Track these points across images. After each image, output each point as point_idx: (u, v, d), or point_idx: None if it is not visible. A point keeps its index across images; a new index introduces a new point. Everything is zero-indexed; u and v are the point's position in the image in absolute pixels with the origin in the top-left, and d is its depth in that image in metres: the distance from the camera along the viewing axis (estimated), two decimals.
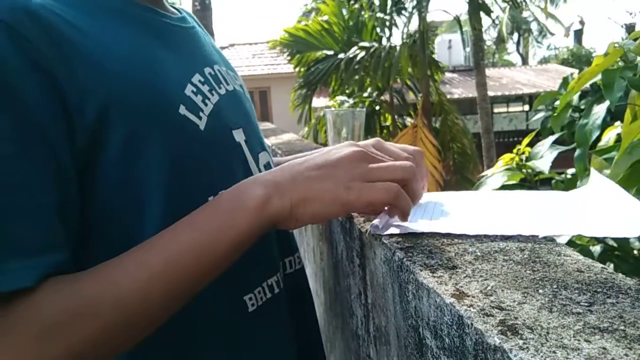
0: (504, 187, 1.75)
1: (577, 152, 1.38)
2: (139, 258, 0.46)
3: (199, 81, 0.58)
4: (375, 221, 0.56)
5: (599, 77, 1.20)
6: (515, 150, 1.85)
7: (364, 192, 0.50)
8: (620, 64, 1.28)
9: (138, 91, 0.51)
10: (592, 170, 0.68)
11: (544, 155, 1.77)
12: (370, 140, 0.71)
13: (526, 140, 1.85)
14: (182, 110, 0.54)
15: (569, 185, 1.87)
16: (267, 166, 0.66)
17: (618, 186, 0.60)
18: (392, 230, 0.56)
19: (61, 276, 0.44)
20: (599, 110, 1.38)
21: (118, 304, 0.44)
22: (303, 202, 0.49)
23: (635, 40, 1.19)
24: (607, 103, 1.34)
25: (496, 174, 1.81)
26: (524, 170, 1.77)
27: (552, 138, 1.80)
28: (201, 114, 0.56)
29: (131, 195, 0.50)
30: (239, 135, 0.62)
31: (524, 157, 1.85)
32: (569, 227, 0.55)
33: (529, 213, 0.60)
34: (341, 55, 8.28)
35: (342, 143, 0.58)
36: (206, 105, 0.57)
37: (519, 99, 16.46)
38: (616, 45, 1.20)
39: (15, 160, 0.42)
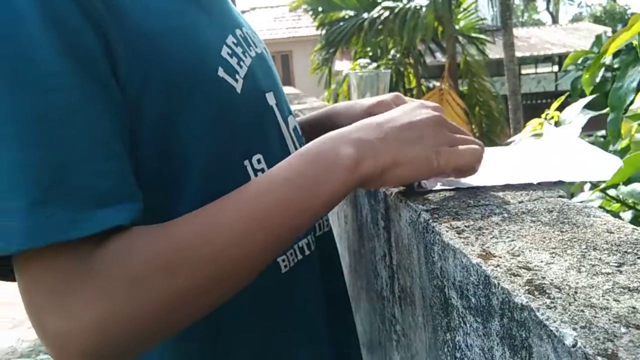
0: None
1: (611, 116, 1.34)
2: (235, 210, 0.45)
3: (233, 43, 0.57)
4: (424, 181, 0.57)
5: (635, 37, 1.16)
6: (543, 115, 1.80)
7: (453, 157, 0.51)
8: None
9: (178, 53, 0.50)
10: (545, 124, 0.72)
11: (573, 121, 1.72)
12: (389, 95, 0.71)
13: (555, 104, 1.80)
14: (221, 72, 0.54)
15: (602, 148, 1.83)
16: (295, 130, 0.66)
17: (576, 136, 0.66)
18: (438, 186, 0.57)
19: (150, 226, 0.43)
20: (634, 73, 1.33)
21: (216, 255, 0.43)
22: (394, 165, 0.49)
23: None
24: None
25: (524, 140, 1.78)
26: None
27: (582, 102, 1.75)
28: (237, 76, 0.56)
29: (171, 156, 0.50)
30: (270, 99, 0.62)
31: (552, 122, 1.80)
32: (550, 174, 0.57)
33: (512, 165, 0.63)
34: (364, 15, 8.11)
35: (413, 103, 0.57)
36: (241, 67, 0.57)
37: (548, 59, 15.98)
38: None
39: (88, 106, 0.42)
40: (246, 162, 0.56)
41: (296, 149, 0.64)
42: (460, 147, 0.52)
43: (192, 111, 0.51)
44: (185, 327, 0.45)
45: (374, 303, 0.81)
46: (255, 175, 0.56)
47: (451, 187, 0.57)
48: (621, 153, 1.69)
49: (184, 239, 0.43)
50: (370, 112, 0.69)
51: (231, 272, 0.44)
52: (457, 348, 0.44)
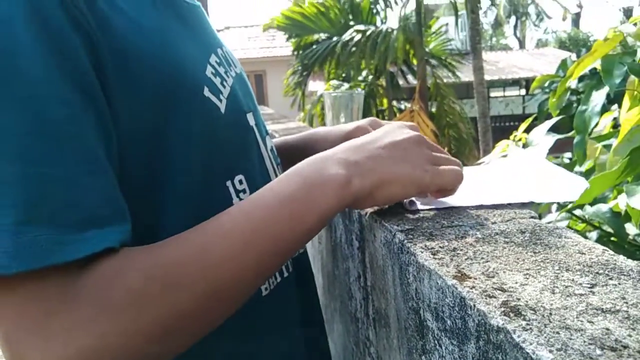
0: None
1: (576, 138, 1.38)
2: (226, 227, 0.44)
3: (216, 62, 0.57)
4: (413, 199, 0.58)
5: (598, 62, 1.20)
6: (511, 137, 1.84)
7: (439, 176, 0.52)
8: (619, 49, 1.27)
9: (165, 69, 0.49)
10: (511, 146, 0.74)
11: (541, 142, 1.77)
12: (366, 120, 0.72)
13: (523, 126, 1.84)
14: (206, 92, 0.53)
15: (568, 169, 1.88)
16: (272, 151, 0.66)
17: (543, 158, 0.68)
18: (426, 206, 0.57)
19: (140, 247, 0.41)
20: (598, 97, 1.38)
21: (209, 273, 0.41)
22: (382, 183, 0.50)
23: (634, 25, 1.19)
24: (606, 89, 1.34)
25: (493, 160, 1.81)
26: None
27: (548, 123, 1.80)
28: (221, 96, 0.55)
29: (155, 175, 0.49)
30: (251, 119, 0.61)
31: (520, 144, 1.84)
32: (520, 195, 0.58)
33: (484, 185, 0.64)
34: (337, 38, 8.22)
35: (392, 124, 0.58)
36: (224, 87, 0.56)
37: (515, 83, 16.43)
38: (616, 30, 1.20)
39: (77, 120, 0.40)
40: (228, 183, 0.55)
41: (274, 169, 0.64)
42: (443, 167, 0.54)
43: (177, 129, 0.49)
44: (178, 352, 0.43)
45: (347, 325, 0.80)
46: (237, 195, 0.55)
47: (440, 207, 0.57)
48: (586, 174, 1.74)
49: (175, 258, 0.41)
50: (348, 137, 0.69)
51: (227, 291, 0.43)
52: None
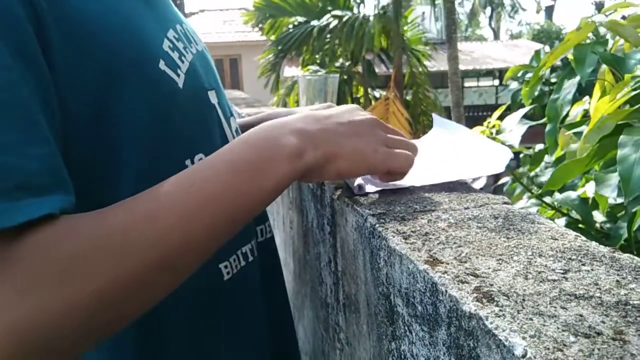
0: None
1: (548, 126, 1.39)
2: (178, 192, 0.41)
3: (174, 37, 0.55)
4: (359, 181, 0.58)
5: (571, 51, 1.20)
6: (485, 124, 1.86)
7: (390, 158, 0.52)
8: (591, 39, 1.28)
9: (117, 38, 0.47)
10: (435, 116, 0.73)
11: (513, 129, 1.78)
12: (323, 105, 0.71)
13: (497, 113, 1.85)
14: (162, 65, 0.51)
15: (537, 159, 1.90)
16: (237, 132, 0.64)
17: (465, 129, 0.69)
18: (373, 188, 0.57)
19: (82, 213, 0.38)
20: (570, 85, 1.39)
21: (157, 239, 0.38)
22: (334, 157, 0.49)
23: (606, 15, 1.19)
24: (577, 78, 1.35)
25: (423, 136, 1.81)
26: None
27: (521, 111, 1.81)
28: (179, 71, 0.53)
29: (106, 151, 0.46)
30: (212, 97, 0.60)
31: (494, 130, 1.85)
32: (450, 173, 0.58)
33: (420, 163, 0.62)
34: (314, 23, 8.16)
35: (347, 105, 0.57)
36: (183, 62, 0.54)
37: (489, 73, 16.60)
38: (588, 20, 1.20)
39: (16, 87, 0.37)
40: (188, 162, 0.53)
41: None
42: (396, 150, 0.53)
43: (130, 103, 0.47)
44: (125, 324, 0.40)
45: (317, 311, 0.79)
46: None
47: (386, 188, 0.57)
48: (557, 162, 1.76)
49: (122, 224, 0.38)
50: None
51: (175, 259, 0.40)
52: (403, 357, 0.42)
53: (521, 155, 2.22)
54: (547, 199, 1.69)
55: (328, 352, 0.73)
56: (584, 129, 1.13)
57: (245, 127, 0.75)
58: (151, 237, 0.38)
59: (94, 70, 0.44)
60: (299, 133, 0.48)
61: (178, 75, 0.53)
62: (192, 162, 0.53)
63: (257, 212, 0.46)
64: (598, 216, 1.52)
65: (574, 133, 1.28)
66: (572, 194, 1.56)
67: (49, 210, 0.36)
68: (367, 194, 0.57)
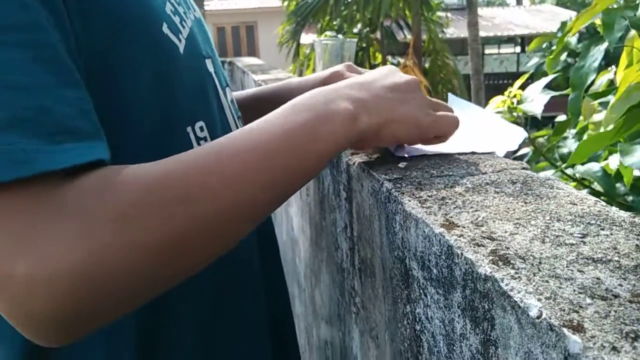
0: None
1: (572, 95, 1.35)
2: (236, 147, 0.40)
3: (175, 1, 0.54)
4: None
5: (597, 17, 1.16)
6: (506, 93, 1.81)
7: (440, 121, 0.52)
8: (621, 3, 1.23)
9: (125, 1, 0.46)
10: (450, 96, 0.72)
11: (535, 98, 1.74)
12: (340, 65, 0.70)
13: (518, 82, 1.81)
14: (165, 28, 0.49)
15: (559, 130, 1.86)
16: (233, 103, 0.63)
17: (480, 109, 0.68)
18: (416, 151, 0.57)
19: (139, 164, 0.37)
20: (596, 52, 1.34)
21: (218, 190, 0.38)
22: (388, 122, 0.49)
23: None
24: (604, 45, 1.30)
25: None
26: (514, 114, 1.75)
27: (544, 81, 1.76)
28: (180, 36, 0.52)
29: (112, 112, 0.45)
30: (210, 66, 0.58)
31: (515, 100, 1.81)
32: (463, 146, 0.58)
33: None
34: None
35: (384, 67, 0.56)
36: (184, 27, 0.53)
37: (510, 40, 16.21)
38: None
39: (46, 29, 0.36)
40: (189, 129, 0.52)
41: (234, 121, 0.61)
42: (442, 112, 0.53)
43: (135, 64, 0.46)
44: (176, 283, 0.39)
45: (333, 275, 0.80)
46: (198, 142, 0.52)
47: (427, 153, 0.57)
48: (579, 133, 1.73)
49: (182, 174, 0.37)
50: (326, 82, 0.67)
51: (233, 211, 0.39)
52: (417, 320, 0.43)
53: (539, 117, 2.17)
54: (569, 171, 1.66)
55: (344, 316, 0.74)
56: (610, 98, 1.10)
57: (255, 98, 0.74)
58: (213, 187, 0.38)
59: (100, 30, 0.43)
60: (350, 99, 0.47)
61: (180, 41, 0.51)
62: (194, 130, 0.52)
63: (312, 175, 0.46)
64: (621, 188, 1.50)
65: (599, 103, 1.24)
66: (595, 166, 1.53)
67: (101, 156, 0.35)
68: (410, 157, 0.56)
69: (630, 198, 1.47)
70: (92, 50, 0.43)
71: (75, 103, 0.36)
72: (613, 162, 1.45)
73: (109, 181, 0.35)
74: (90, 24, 0.42)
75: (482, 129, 0.63)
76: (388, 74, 0.53)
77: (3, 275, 0.31)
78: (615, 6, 1.18)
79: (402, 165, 0.54)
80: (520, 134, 0.61)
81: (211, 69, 0.59)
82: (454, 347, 0.36)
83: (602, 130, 1.16)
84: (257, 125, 0.43)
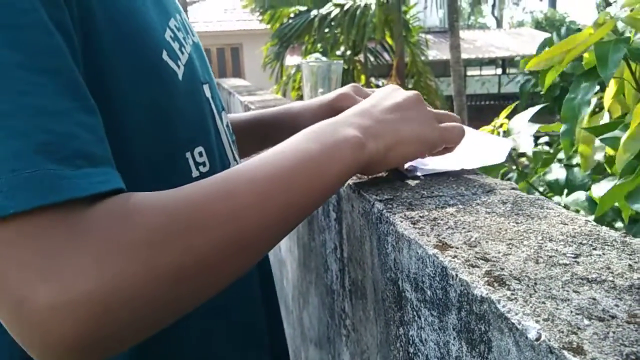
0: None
1: (564, 127, 1.31)
2: (250, 174, 0.41)
3: (175, 27, 0.54)
4: (410, 164, 0.58)
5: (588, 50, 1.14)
6: (493, 123, 1.82)
7: (446, 133, 0.53)
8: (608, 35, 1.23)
9: (124, 24, 0.46)
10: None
11: (522, 130, 1.73)
12: (347, 86, 0.70)
13: (505, 112, 1.81)
14: (165, 55, 0.50)
15: (547, 162, 1.86)
16: (228, 127, 0.63)
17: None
18: (424, 171, 0.57)
19: (154, 192, 0.38)
20: (587, 86, 1.31)
21: (235, 217, 0.38)
22: (394, 145, 0.50)
23: (630, 9, 1.14)
24: (597, 78, 1.28)
25: None
26: None
27: (530, 112, 1.76)
28: (179, 62, 0.52)
29: (109, 139, 0.46)
30: (207, 91, 0.59)
31: (501, 130, 1.81)
32: (449, 163, 0.59)
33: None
34: (315, 12, 8.11)
35: (386, 87, 0.57)
36: (182, 54, 0.53)
37: (492, 62, 16.52)
38: (607, 17, 1.15)
39: (63, 54, 0.37)
40: (188, 154, 0.52)
41: (230, 146, 0.61)
42: (447, 123, 0.54)
43: (134, 91, 0.46)
44: (193, 308, 0.39)
45: (323, 297, 0.79)
46: (197, 168, 0.52)
47: (439, 171, 0.57)
48: (568, 162, 1.72)
49: (198, 200, 0.38)
50: (332, 105, 0.69)
51: (249, 237, 0.40)
52: (411, 343, 0.42)
53: (530, 154, 2.19)
54: (556, 199, 1.67)
55: (334, 339, 0.73)
56: (617, 134, 1.05)
57: (256, 122, 0.74)
58: (228, 214, 0.38)
59: (103, 50, 0.43)
60: (357, 127, 0.48)
61: (178, 67, 0.51)
62: (192, 156, 0.52)
63: (322, 201, 0.47)
64: (618, 223, 1.47)
65: (602, 141, 1.18)
66: (582, 195, 1.54)
67: (119, 185, 0.36)
68: (418, 177, 0.56)
69: (619, 225, 1.46)
70: (92, 77, 0.43)
71: (93, 130, 0.37)
72: (596, 191, 1.44)
73: (130, 208, 0.35)
74: (91, 51, 0.42)
75: (468, 143, 0.64)
76: (388, 94, 0.54)
77: (23, 300, 0.31)
78: (605, 39, 1.17)
79: (412, 183, 0.55)
80: (507, 145, 0.62)
81: (208, 94, 0.59)
82: None
83: (617, 169, 1.09)
84: (271, 155, 0.44)
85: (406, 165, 0.57)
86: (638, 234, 1.28)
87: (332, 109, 0.58)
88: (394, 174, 0.59)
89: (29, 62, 0.34)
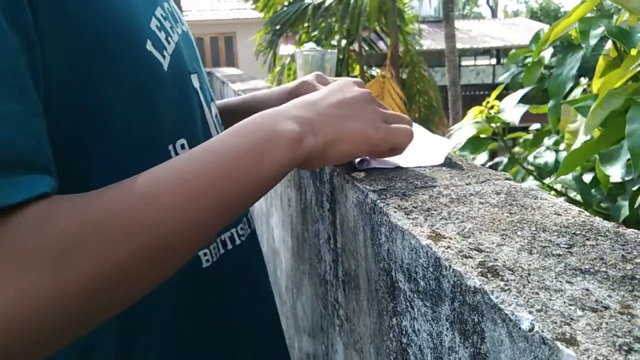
0: (473, 140, 1.75)
1: (550, 103, 1.37)
2: (179, 174, 0.39)
3: (162, 16, 0.52)
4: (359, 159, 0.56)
5: (575, 26, 1.18)
6: (484, 104, 1.84)
7: (391, 134, 0.52)
8: (596, 13, 1.25)
9: (106, 12, 0.45)
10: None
11: (513, 109, 1.77)
12: (310, 75, 0.70)
13: (495, 93, 1.84)
14: (149, 46, 0.48)
15: (536, 140, 1.89)
16: (217, 117, 0.62)
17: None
18: (375, 164, 0.56)
19: (78, 194, 0.36)
20: (572, 61, 1.36)
21: (158, 221, 0.36)
22: (334, 142, 0.48)
23: None
24: (580, 53, 1.32)
25: (465, 126, 1.81)
26: (493, 124, 1.77)
27: (519, 93, 1.79)
28: (165, 52, 0.51)
29: (87, 131, 0.44)
30: (195, 81, 0.57)
31: (492, 111, 1.84)
32: (388, 160, 0.58)
33: None
34: (309, 0, 8.05)
35: (339, 81, 0.55)
36: (169, 43, 0.52)
37: (486, 52, 16.50)
38: None
39: (14, 55, 0.35)
40: (170, 147, 0.51)
41: None
42: (395, 125, 0.53)
43: (114, 82, 0.45)
44: (118, 311, 0.38)
45: (316, 288, 0.79)
46: None
47: (388, 167, 0.56)
48: (555, 146, 1.76)
49: (120, 205, 0.36)
50: (293, 93, 0.67)
51: (175, 242, 0.38)
52: (404, 333, 0.42)
53: (521, 140, 2.21)
54: (547, 180, 1.68)
55: (327, 329, 0.74)
56: (589, 103, 1.10)
57: (224, 109, 0.73)
58: (152, 219, 0.36)
59: (79, 47, 0.42)
60: (296, 120, 0.46)
61: (164, 57, 0.50)
62: (174, 148, 0.51)
63: (257, 198, 0.45)
64: (597, 196, 1.52)
65: (578, 108, 1.23)
66: (569, 175, 1.56)
67: (45, 189, 0.34)
68: (371, 168, 0.56)
69: (606, 205, 1.49)
70: (72, 66, 0.42)
71: (37, 136, 0.36)
72: (587, 178, 1.47)
73: (45, 216, 0.34)
74: (70, 41, 0.41)
75: (412, 143, 0.62)
76: (339, 89, 0.52)
77: None
78: (590, 15, 1.20)
79: (358, 175, 0.54)
80: (447, 146, 0.60)
81: (196, 84, 0.58)
82: None
83: (581, 136, 1.17)
84: (201, 152, 0.42)
85: (357, 159, 0.56)
86: (616, 211, 1.30)
87: (293, 97, 0.57)
88: (344, 166, 0.58)
89: None
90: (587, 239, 0.36)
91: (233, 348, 0.59)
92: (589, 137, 1.11)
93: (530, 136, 2.09)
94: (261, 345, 0.64)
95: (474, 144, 1.76)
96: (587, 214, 0.41)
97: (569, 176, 1.55)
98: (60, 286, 0.32)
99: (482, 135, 1.78)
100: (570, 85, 1.26)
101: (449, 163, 0.57)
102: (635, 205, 1.08)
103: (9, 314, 0.31)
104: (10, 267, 0.31)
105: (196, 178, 0.39)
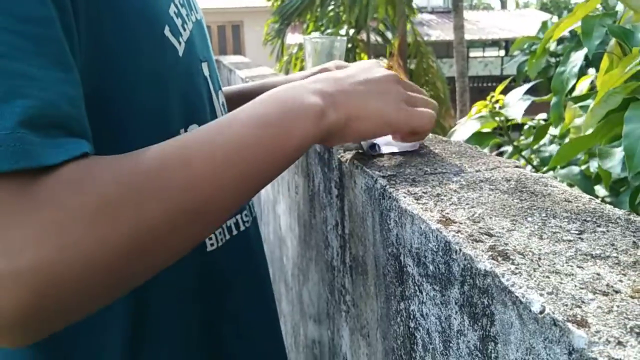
0: (477, 135, 1.75)
1: (553, 99, 1.37)
2: (207, 142, 0.40)
3: (179, 2, 0.53)
4: (375, 141, 0.55)
5: (579, 23, 1.18)
6: (488, 98, 1.83)
7: (413, 117, 0.50)
8: (600, 10, 1.25)
9: (130, 2, 0.46)
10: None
11: (516, 104, 1.76)
12: (331, 63, 0.70)
13: (500, 88, 1.82)
14: (167, 31, 0.49)
15: (540, 133, 1.88)
16: (224, 106, 0.63)
17: None
18: (389, 149, 0.56)
19: (113, 155, 0.37)
20: (577, 58, 1.36)
21: (189, 185, 0.37)
22: (355, 118, 0.47)
23: None
24: (584, 51, 1.32)
25: (469, 121, 1.80)
26: (496, 118, 1.76)
27: (525, 87, 1.78)
28: (180, 39, 0.51)
29: (106, 110, 0.45)
30: (205, 69, 0.58)
31: (497, 105, 1.82)
32: (396, 147, 0.57)
33: None
34: None
35: (367, 61, 0.55)
36: (184, 30, 0.52)
37: (495, 43, 16.37)
38: None
39: (53, 25, 0.37)
40: (182, 131, 0.52)
41: None
42: (419, 108, 0.51)
43: (134, 64, 0.46)
44: (144, 280, 0.39)
45: (323, 274, 0.79)
46: None
47: (401, 152, 0.56)
48: (561, 137, 1.75)
49: (155, 168, 0.37)
50: None
51: (204, 207, 0.39)
52: (412, 317, 0.42)
53: (525, 127, 2.20)
54: (549, 173, 1.68)
55: (333, 315, 0.74)
56: (590, 102, 1.11)
57: (239, 94, 0.74)
58: (183, 183, 0.37)
59: (109, 21, 0.43)
60: (319, 94, 0.45)
61: (180, 44, 0.51)
62: (186, 132, 0.52)
63: (281, 170, 0.45)
64: (600, 191, 1.52)
65: (580, 107, 1.25)
66: (575, 169, 1.55)
67: (85, 150, 0.35)
68: (381, 154, 0.55)
69: (609, 200, 1.49)
70: (98, 45, 0.43)
71: (76, 103, 0.37)
72: (592, 165, 1.47)
73: (85, 175, 0.34)
74: (99, 22, 0.42)
75: None
76: (365, 68, 0.52)
77: None
78: (595, 13, 1.20)
79: (410, 159, 0.53)
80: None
81: (206, 72, 0.58)
82: (450, 344, 0.36)
83: (582, 133, 1.17)
84: (230, 119, 0.42)
85: (370, 142, 0.55)
86: (618, 206, 1.30)
87: None
88: (356, 152, 0.58)
89: (21, 29, 0.34)
90: (598, 226, 0.36)
91: (231, 333, 0.60)
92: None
93: (534, 122, 2.09)
94: (258, 332, 0.65)
95: (477, 139, 1.76)
96: (597, 201, 0.41)
97: (574, 170, 1.55)
98: (99, 243, 0.33)
99: (485, 130, 1.77)
100: (573, 82, 1.26)
101: (458, 151, 0.57)
102: (637, 202, 1.08)
103: (47, 268, 0.31)
104: (50, 222, 0.32)
105: (222, 147, 0.40)
